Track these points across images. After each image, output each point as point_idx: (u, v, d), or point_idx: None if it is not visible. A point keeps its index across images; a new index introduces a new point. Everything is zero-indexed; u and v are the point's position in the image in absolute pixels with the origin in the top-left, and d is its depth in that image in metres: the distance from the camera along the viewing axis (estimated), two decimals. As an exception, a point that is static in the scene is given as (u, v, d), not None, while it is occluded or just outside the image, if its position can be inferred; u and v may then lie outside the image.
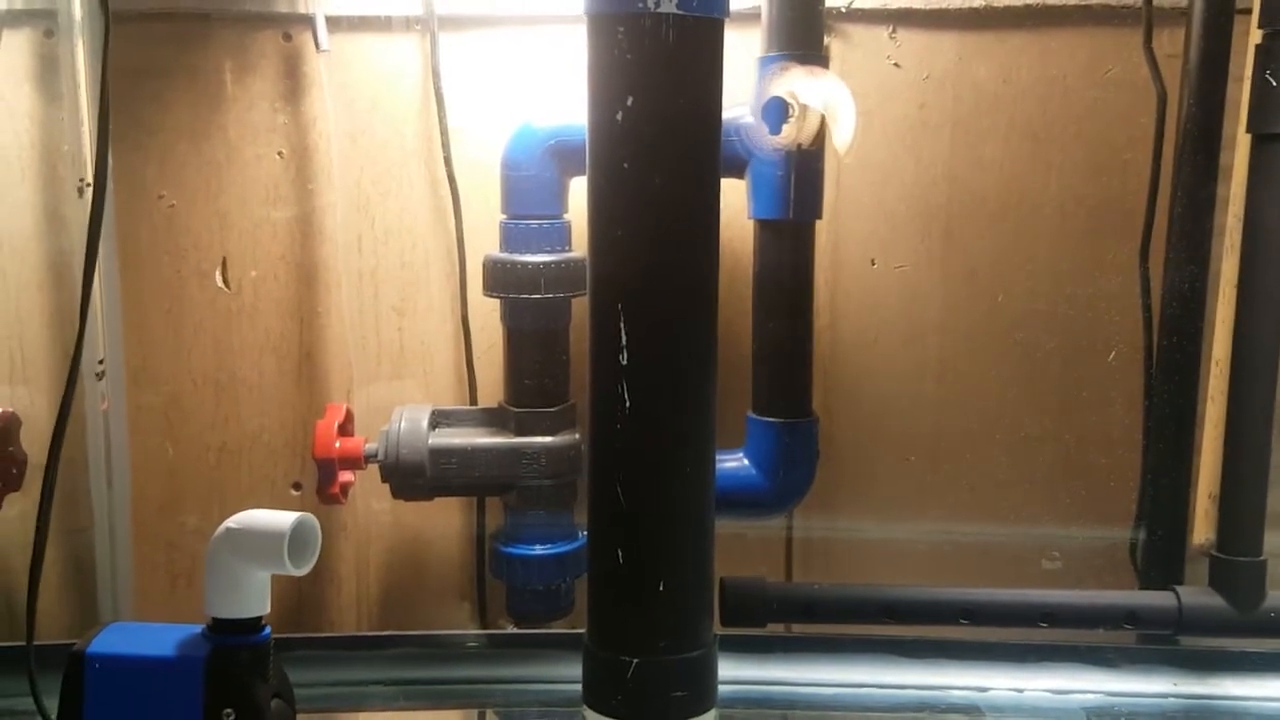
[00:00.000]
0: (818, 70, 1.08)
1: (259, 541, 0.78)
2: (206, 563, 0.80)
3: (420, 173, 1.25)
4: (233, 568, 0.79)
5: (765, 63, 1.10)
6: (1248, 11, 1.05)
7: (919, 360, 1.29)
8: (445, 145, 1.23)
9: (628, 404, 0.91)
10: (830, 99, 1.05)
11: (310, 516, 0.81)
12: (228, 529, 0.79)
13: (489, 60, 1.23)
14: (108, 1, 1.00)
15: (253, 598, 0.80)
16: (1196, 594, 1.03)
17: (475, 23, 1.22)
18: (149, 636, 0.81)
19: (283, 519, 0.79)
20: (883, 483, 1.30)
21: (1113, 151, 1.22)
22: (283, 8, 1.21)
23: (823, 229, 1.17)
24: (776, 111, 1.09)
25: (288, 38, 1.22)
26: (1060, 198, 1.24)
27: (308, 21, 1.20)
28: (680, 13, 0.87)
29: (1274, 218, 0.95)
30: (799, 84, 1.07)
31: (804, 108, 1.06)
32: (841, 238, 1.27)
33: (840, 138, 1.05)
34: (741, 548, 1.27)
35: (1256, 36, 0.95)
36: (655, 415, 0.91)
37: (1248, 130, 0.96)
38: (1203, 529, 1.10)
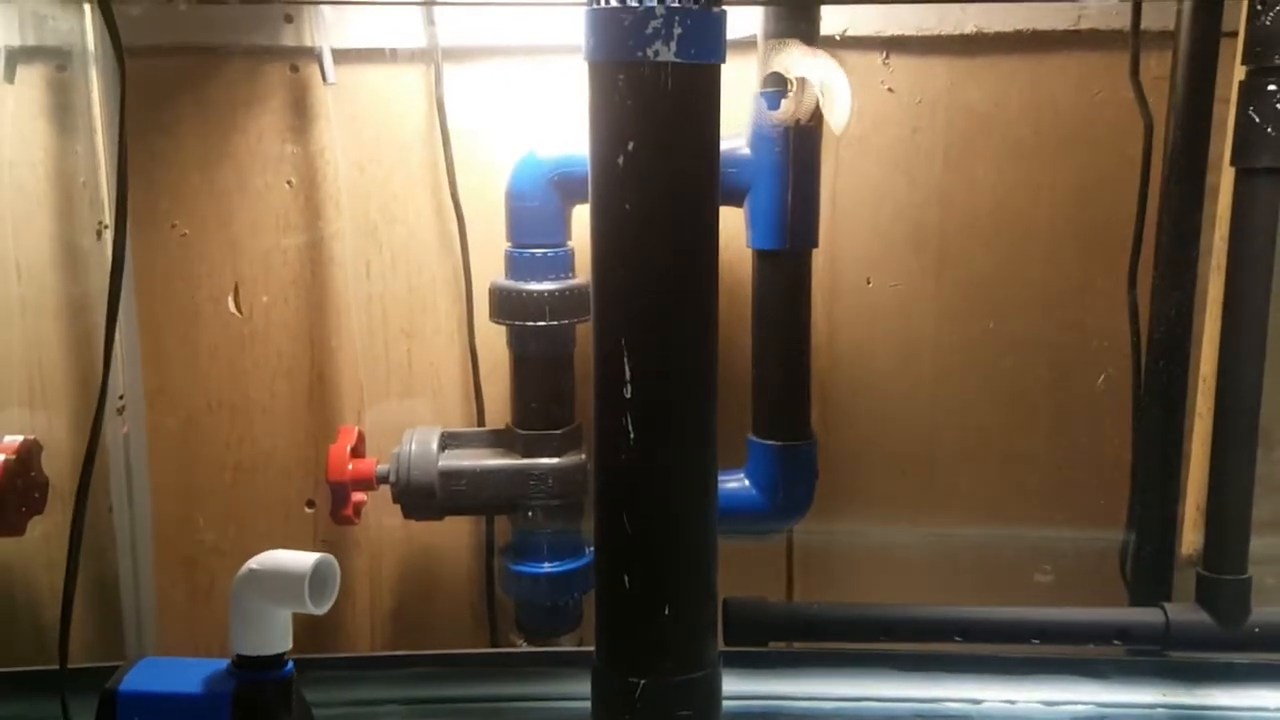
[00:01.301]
0: (815, 50, 1.09)
1: (281, 582, 0.82)
2: (230, 602, 0.84)
3: (426, 200, 1.28)
4: (256, 607, 0.83)
5: (762, 96, 1.12)
6: (1235, 34, 1.07)
7: (914, 377, 1.32)
8: (450, 173, 1.26)
9: (632, 436, 0.94)
10: (826, 79, 1.06)
11: (329, 557, 0.84)
12: (251, 570, 0.83)
13: (493, 90, 1.26)
14: (120, 40, 1.03)
15: (275, 635, 0.83)
16: (1183, 610, 1.06)
17: (479, 54, 1.25)
18: (177, 672, 0.85)
19: (303, 561, 0.82)
20: (879, 497, 1.34)
21: (1102, 175, 1.25)
22: (289, 41, 1.23)
23: (820, 251, 1.20)
24: (774, 97, 1.11)
25: (295, 69, 1.25)
26: (1051, 220, 1.27)
27: (314, 54, 1.23)
28: (678, 61, 0.90)
29: (1257, 247, 0.98)
30: (796, 63, 1.08)
31: (801, 82, 1.07)
32: (838, 259, 1.30)
33: (836, 118, 1.07)
34: (744, 562, 1.31)
35: (1240, 71, 0.98)
36: (659, 446, 0.95)
37: (1232, 164, 0.99)
38: (1191, 540, 1.14)
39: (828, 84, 1.07)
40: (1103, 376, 1.27)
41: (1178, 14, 1.10)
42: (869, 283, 1.31)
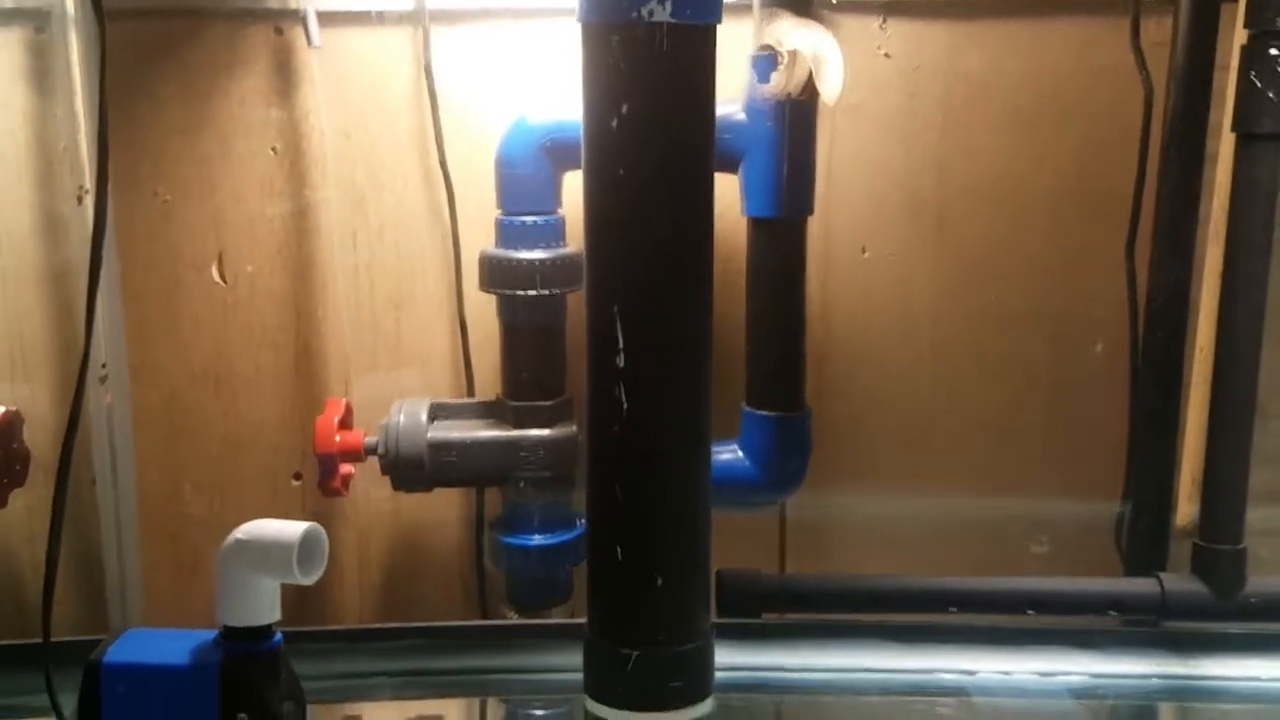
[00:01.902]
0: (807, 21, 1.07)
1: (268, 552, 0.80)
2: (216, 572, 0.82)
3: (415, 167, 1.26)
4: (243, 578, 0.81)
5: (759, 61, 1.10)
6: (1235, 0, 1.05)
7: (912, 348, 1.31)
8: (439, 139, 1.24)
9: (625, 405, 0.93)
10: (818, 50, 1.04)
11: (317, 526, 0.83)
12: (237, 540, 0.81)
13: (483, 54, 1.23)
14: (100, 1, 1.00)
15: (263, 606, 0.82)
16: (1179, 581, 1.06)
17: (468, 16, 1.22)
18: (163, 644, 0.83)
19: (291, 530, 0.81)
20: (876, 468, 1.33)
21: (1103, 142, 1.23)
22: (273, 3, 1.21)
23: (815, 220, 1.18)
24: (768, 62, 1.09)
25: (279, 32, 1.22)
26: (1051, 187, 1.26)
27: (299, 17, 1.20)
28: (673, 21, 0.88)
29: (1257, 215, 0.97)
30: (787, 34, 1.06)
31: (793, 55, 1.05)
32: (834, 228, 1.28)
33: (828, 90, 1.05)
34: (737, 534, 1.29)
35: (1243, 35, 0.96)
36: (652, 416, 0.94)
37: (1233, 129, 0.97)
38: (1186, 510, 1.13)
39: (820, 55, 1.05)
40: (1100, 346, 1.25)
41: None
42: (865, 252, 1.29)
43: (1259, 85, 0.92)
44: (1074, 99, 1.23)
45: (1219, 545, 1.02)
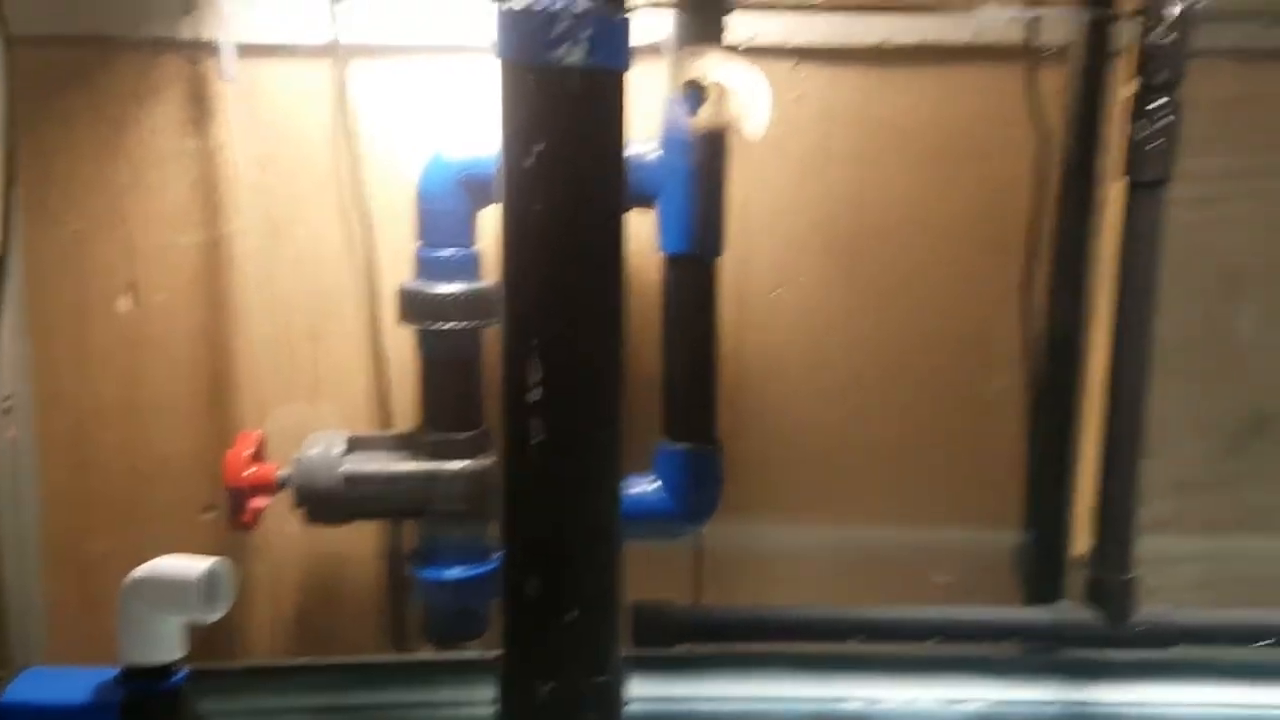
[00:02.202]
0: (733, 56, 1.10)
1: (169, 590, 0.80)
2: (118, 611, 0.81)
3: (332, 200, 1.26)
4: (144, 616, 0.80)
5: (672, 103, 1.13)
6: (1124, 53, 1.11)
7: (823, 381, 1.34)
8: (357, 173, 1.24)
9: (539, 439, 0.93)
10: (744, 85, 1.07)
11: (222, 562, 0.82)
12: (137, 578, 0.80)
13: (401, 88, 1.24)
14: (8, 27, 0.99)
15: (165, 644, 0.81)
16: (1073, 609, 1.10)
17: (386, 51, 1.23)
18: (63, 683, 0.82)
19: (193, 567, 0.80)
20: (789, 498, 1.35)
21: (1004, 183, 1.28)
22: (187, 34, 1.20)
23: (732, 255, 1.21)
24: (682, 113, 1.11)
25: (194, 63, 1.21)
26: (958, 226, 1.31)
27: (214, 48, 1.19)
28: (586, 65, 0.90)
29: (1143, 256, 1.02)
30: (715, 69, 1.09)
31: (719, 88, 1.08)
32: (750, 264, 1.31)
33: (754, 124, 1.08)
34: (654, 564, 1.31)
35: (1129, 88, 1.01)
36: (566, 450, 0.94)
37: (1123, 176, 1.02)
38: (1082, 540, 1.18)
39: (746, 90, 1.08)
40: (1001, 380, 1.30)
41: (1071, 31, 1.14)
42: (780, 287, 1.32)
43: (1143, 135, 0.97)
44: (977, 142, 1.28)
45: (1110, 575, 1.07)
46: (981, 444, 1.33)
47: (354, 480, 1.16)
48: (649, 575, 1.18)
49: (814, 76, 1.28)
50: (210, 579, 0.81)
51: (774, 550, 1.35)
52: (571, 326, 0.95)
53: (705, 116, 1.11)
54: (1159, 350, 1.16)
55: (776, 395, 1.34)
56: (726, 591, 1.35)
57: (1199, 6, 0.98)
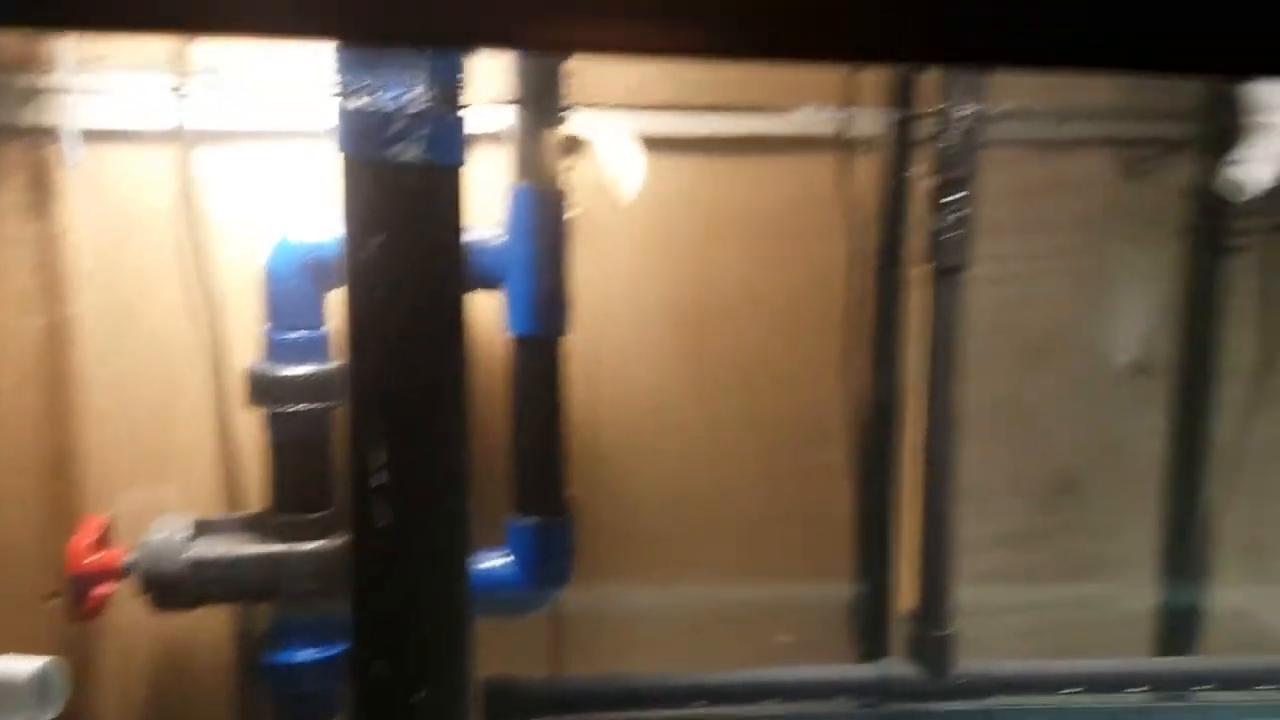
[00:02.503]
0: (614, 124, 1.15)
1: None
2: (-60, 717, 0.79)
3: (178, 282, 1.26)
4: (-32, 721, 0.79)
5: (515, 191, 1.17)
6: (926, 144, 1.20)
7: (674, 450, 1.40)
8: (203, 255, 1.25)
9: (385, 521, 0.96)
10: (622, 152, 1.12)
11: (54, 661, 0.82)
12: (-39, 682, 0.79)
13: (248, 172, 1.26)
14: None
15: (-10, 749, 0.80)
16: (897, 665, 1.16)
17: (232, 137, 1.25)
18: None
19: (22, 667, 0.80)
20: (644, 564, 1.40)
21: (829, 264, 1.37)
22: (31, 120, 1.20)
23: (584, 334, 1.26)
24: (523, 201, 1.16)
25: (38, 148, 1.21)
26: (790, 305, 1.38)
27: (58, 134, 1.19)
28: (423, 161, 0.94)
29: (947, 335, 1.10)
30: (596, 134, 1.14)
31: (599, 154, 1.13)
32: (602, 341, 1.36)
33: (628, 188, 1.13)
34: (510, 636, 1.33)
35: (931, 180, 1.10)
36: (412, 532, 0.97)
37: (926, 263, 1.11)
38: (906, 598, 1.25)
39: (623, 157, 1.14)
40: (830, 449, 1.37)
41: (880, 126, 1.23)
42: (630, 362, 1.38)
43: (941, 226, 1.06)
44: (803, 226, 1.36)
45: (930, 631, 1.14)
46: (816, 510, 1.40)
47: (200, 565, 1.15)
48: (507, 647, 1.21)
49: (655, 164, 1.34)
50: (42, 679, 0.80)
51: (631, 615, 1.39)
52: (415, 410, 0.98)
53: (587, 182, 1.16)
54: (977, 416, 1.25)
55: (629, 465, 1.39)
56: (587, 658, 1.38)
57: (994, 108, 1.08)
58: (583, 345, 1.28)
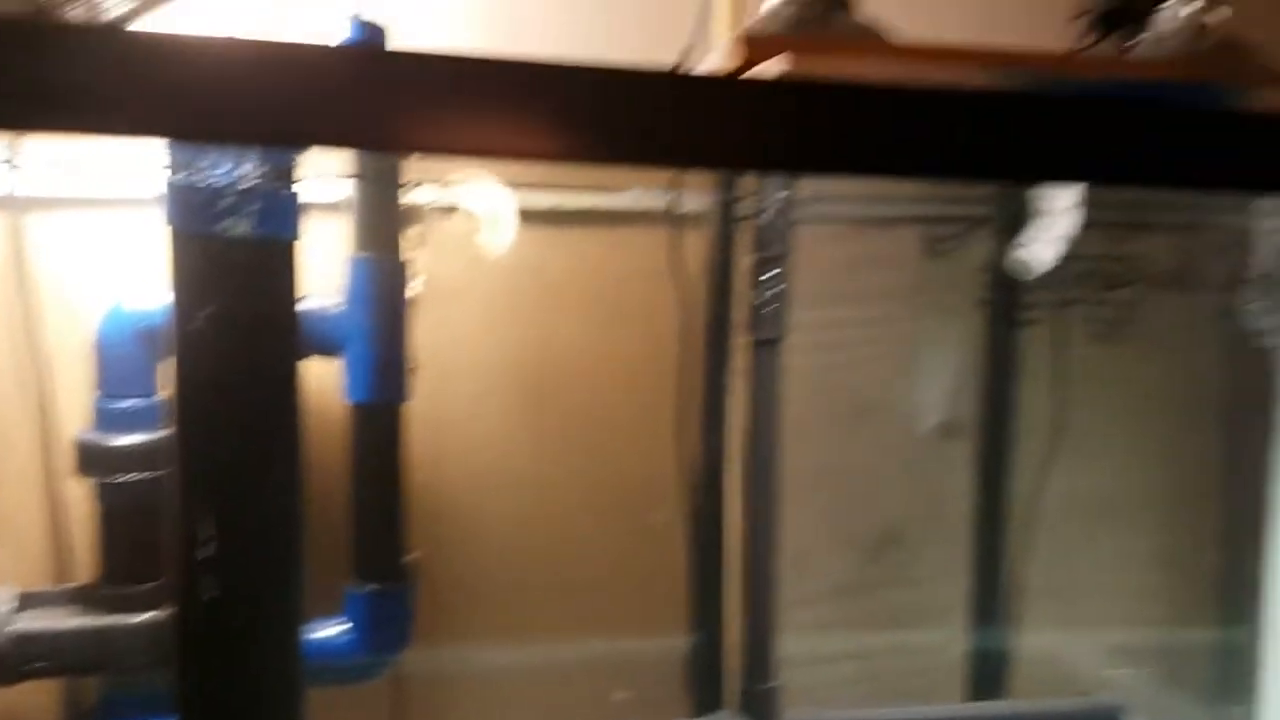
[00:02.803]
0: (485, 178, 1.19)
1: None
2: None
3: (6, 349, 1.24)
4: None
5: (353, 261, 1.20)
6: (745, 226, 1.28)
7: (516, 511, 1.43)
8: (33, 321, 1.23)
9: (211, 595, 0.96)
10: (493, 204, 1.15)
11: None
12: None
13: (81, 239, 1.25)
14: None
15: None
16: (728, 718, 1.21)
17: (65, 203, 1.24)
18: None
19: None
20: (488, 623, 1.42)
21: (661, 333, 1.43)
22: None
23: (429, 397, 1.28)
24: (362, 271, 1.19)
25: None
26: (626, 372, 1.44)
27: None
28: (254, 235, 0.96)
29: (766, 402, 1.17)
30: (465, 188, 1.18)
31: (475, 207, 1.16)
32: (447, 405, 1.39)
33: (500, 239, 1.16)
34: (351, 700, 1.33)
35: (750, 257, 1.17)
36: (239, 605, 0.97)
37: (746, 335, 1.18)
38: (736, 653, 1.30)
39: (491, 208, 1.17)
40: (664, 510, 1.43)
41: (707, 203, 1.31)
42: (473, 425, 1.41)
43: (760, 300, 1.13)
44: (638, 296, 1.43)
45: (756, 684, 1.19)
46: (653, 568, 1.45)
47: (24, 639, 1.12)
48: (348, 711, 1.20)
49: (497, 233, 1.39)
50: None
51: (474, 676, 1.40)
52: (244, 481, 0.99)
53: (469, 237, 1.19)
54: (804, 477, 1.32)
55: (472, 525, 1.41)
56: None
57: (808, 191, 1.16)
58: (427, 408, 1.30)
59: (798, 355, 1.23)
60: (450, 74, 0.61)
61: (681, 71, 1.05)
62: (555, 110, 0.62)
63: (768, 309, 1.11)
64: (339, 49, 0.62)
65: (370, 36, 1.17)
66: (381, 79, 0.58)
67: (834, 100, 0.68)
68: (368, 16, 1.17)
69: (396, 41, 1.18)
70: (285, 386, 1.01)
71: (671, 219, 1.33)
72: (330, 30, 1.16)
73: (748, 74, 0.92)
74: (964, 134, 0.69)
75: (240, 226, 0.95)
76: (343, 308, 1.21)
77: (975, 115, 0.70)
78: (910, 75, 0.92)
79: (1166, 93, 0.86)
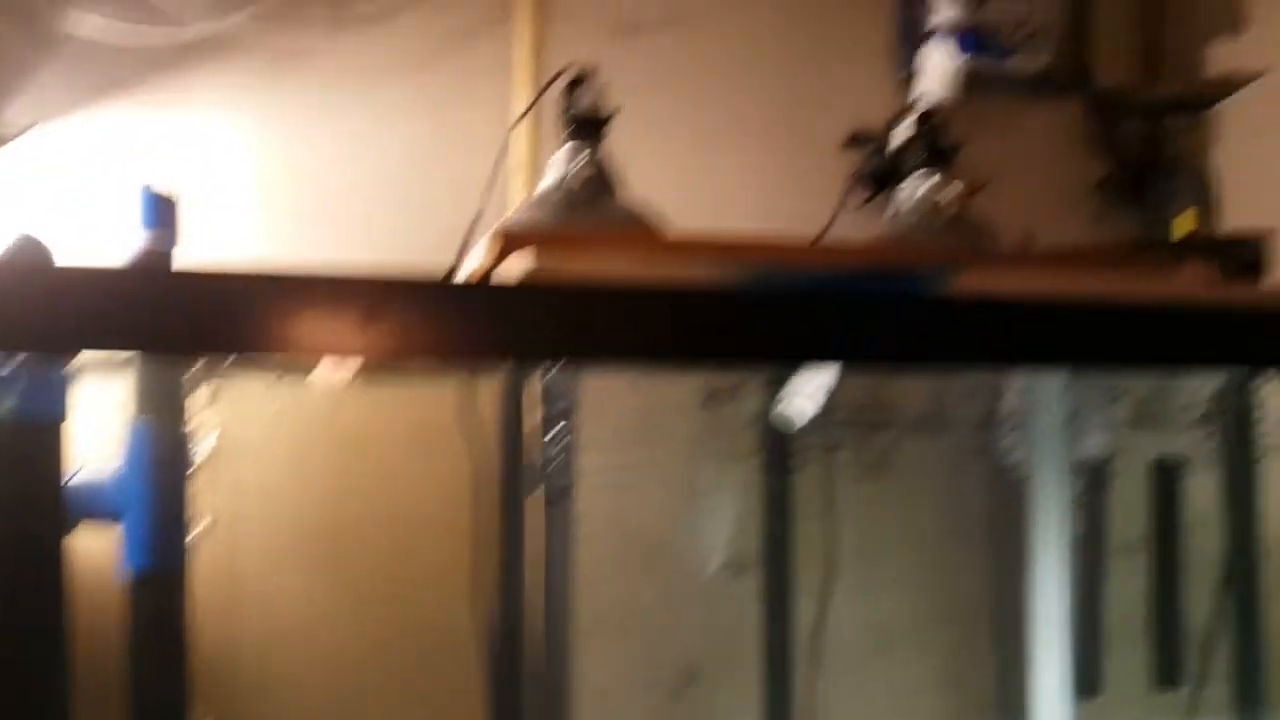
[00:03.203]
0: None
1: None
2: None
3: None
4: None
5: (133, 427, 1.19)
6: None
7: (317, 666, 1.41)
8: None
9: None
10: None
11: None
12: None
13: None
14: None
15: None
16: None
17: None
18: None
19: None
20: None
21: (456, 486, 1.45)
22: None
23: (224, 551, 1.27)
24: (140, 437, 1.18)
25: None
26: (422, 524, 1.46)
27: None
28: (16, 418, 0.96)
29: (558, 550, 1.21)
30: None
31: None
32: (242, 558, 1.37)
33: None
34: None
35: (537, 415, 1.23)
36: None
37: (538, 485, 1.22)
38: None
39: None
40: (461, 663, 1.43)
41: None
42: (272, 578, 1.40)
43: (547, 457, 1.18)
44: (433, 450, 1.46)
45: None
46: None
47: None
48: None
49: (292, 389, 1.41)
50: None
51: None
52: (3, 663, 0.96)
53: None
54: (603, 618, 1.36)
55: (267, 683, 1.39)
56: None
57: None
58: (223, 561, 1.29)
59: (592, 497, 1.28)
60: (228, 289, 0.66)
61: (446, 271, 1.12)
62: (323, 316, 0.68)
63: (555, 462, 1.16)
64: (106, 270, 0.66)
65: (162, 209, 1.20)
66: (158, 297, 0.63)
67: (565, 299, 0.76)
68: (158, 189, 1.20)
69: (187, 212, 1.21)
70: (49, 561, 1.00)
71: (462, 374, 1.38)
72: (127, 198, 1.19)
73: (496, 271, 0.99)
74: (678, 325, 0.77)
75: (3, 408, 0.95)
76: (120, 473, 1.20)
77: (685, 310, 0.78)
78: (651, 266, 1.00)
79: (873, 281, 0.97)
